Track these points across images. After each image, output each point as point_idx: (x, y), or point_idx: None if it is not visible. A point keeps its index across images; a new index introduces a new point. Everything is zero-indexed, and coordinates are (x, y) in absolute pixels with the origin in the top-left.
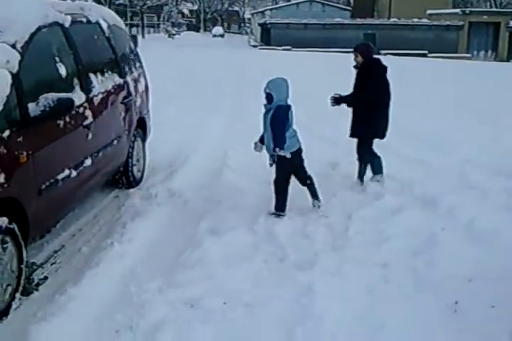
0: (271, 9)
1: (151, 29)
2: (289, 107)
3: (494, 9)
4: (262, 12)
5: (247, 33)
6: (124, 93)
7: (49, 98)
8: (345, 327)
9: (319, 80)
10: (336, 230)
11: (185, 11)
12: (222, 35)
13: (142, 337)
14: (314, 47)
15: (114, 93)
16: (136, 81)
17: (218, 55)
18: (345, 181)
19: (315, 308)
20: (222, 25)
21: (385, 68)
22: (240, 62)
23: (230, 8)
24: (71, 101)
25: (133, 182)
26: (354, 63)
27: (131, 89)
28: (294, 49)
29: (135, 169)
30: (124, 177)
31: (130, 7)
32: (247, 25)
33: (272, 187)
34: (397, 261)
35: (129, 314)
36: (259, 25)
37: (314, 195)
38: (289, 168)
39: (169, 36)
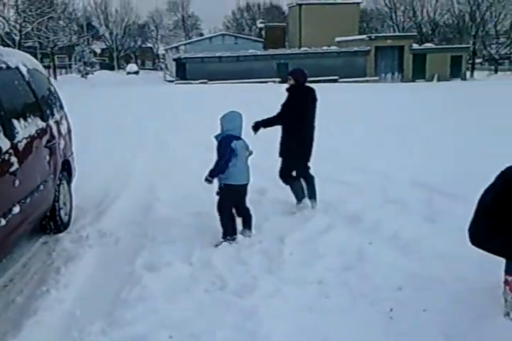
0: (185, 44)
1: (63, 70)
2: (238, 138)
3: (398, 33)
4: (176, 47)
5: (161, 69)
6: (47, 136)
7: None
8: None
9: (237, 108)
10: (270, 254)
11: (97, 50)
12: (136, 72)
13: None
14: (230, 79)
15: (38, 137)
16: (58, 123)
17: (135, 92)
18: (275, 206)
19: (261, 330)
20: (136, 62)
21: (314, 94)
22: (157, 98)
23: (143, 45)
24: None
25: (61, 226)
26: (287, 86)
27: (54, 132)
28: (209, 82)
29: (62, 212)
30: (51, 222)
31: (40, 49)
32: (162, 60)
33: (217, 216)
34: (332, 277)
35: None
36: (174, 60)
37: (247, 226)
38: (233, 198)
39: (82, 76)
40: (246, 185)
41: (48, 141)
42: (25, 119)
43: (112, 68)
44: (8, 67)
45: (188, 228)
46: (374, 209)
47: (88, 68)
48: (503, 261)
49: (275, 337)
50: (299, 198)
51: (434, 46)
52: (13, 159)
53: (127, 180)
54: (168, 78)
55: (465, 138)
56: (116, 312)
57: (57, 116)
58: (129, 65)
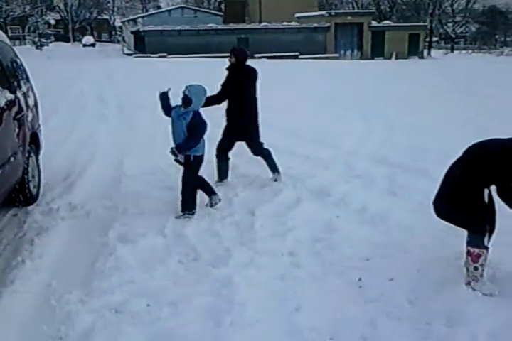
0: (142, 17)
1: (17, 41)
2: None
3: (357, 10)
4: (134, 20)
5: (118, 42)
6: (15, 108)
7: None
8: (267, 311)
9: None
10: (241, 226)
11: (52, 21)
12: (93, 45)
13: None
14: (189, 53)
15: (7, 109)
16: (25, 95)
17: (94, 65)
18: (243, 181)
19: (237, 297)
20: (92, 35)
21: (255, 74)
22: (117, 71)
23: (99, 17)
24: None
25: (30, 199)
26: (228, 64)
27: (22, 104)
28: (169, 56)
29: (31, 185)
30: (20, 195)
31: None
32: (119, 33)
33: (180, 189)
34: (302, 249)
35: (55, 326)
36: (132, 33)
37: (209, 193)
38: (198, 169)
39: (37, 48)
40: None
41: (17, 113)
42: None
43: (67, 40)
44: None
45: (159, 201)
46: (340, 183)
47: (43, 40)
48: (462, 233)
49: (250, 303)
50: (221, 177)
51: (392, 24)
52: None
53: (93, 153)
54: (127, 51)
55: (423, 116)
56: (92, 282)
57: (24, 88)
58: (85, 37)
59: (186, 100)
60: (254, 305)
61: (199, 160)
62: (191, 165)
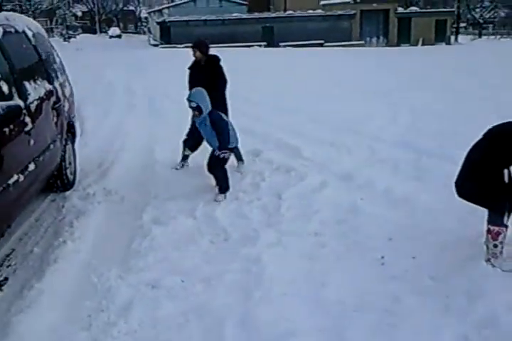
0: (168, 7)
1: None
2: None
3: None
4: (160, 10)
5: (144, 33)
6: (54, 98)
7: None
8: (294, 287)
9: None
10: (268, 209)
11: (79, 13)
12: (119, 36)
13: (115, 317)
14: (215, 42)
15: (47, 99)
16: (62, 86)
17: (121, 56)
18: (270, 166)
19: (265, 275)
20: (119, 26)
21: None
22: (144, 62)
23: (125, 8)
24: (20, 107)
25: (67, 185)
26: (194, 58)
27: (60, 94)
28: None
29: (68, 172)
30: (58, 181)
31: (21, 12)
32: (144, 24)
33: (212, 175)
34: (327, 229)
35: (97, 300)
36: (158, 23)
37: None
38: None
39: (65, 40)
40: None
41: (55, 103)
42: (34, 82)
43: (94, 32)
44: (17, 31)
45: (189, 187)
46: (364, 167)
47: (70, 32)
48: (484, 214)
49: (278, 280)
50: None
51: (418, 10)
52: (27, 119)
53: (125, 142)
54: (153, 42)
55: (447, 102)
56: (129, 261)
57: (60, 79)
58: (112, 29)
59: (197, 110)
60: (282, 282)
61: (229, 150)
62: (224, 155)
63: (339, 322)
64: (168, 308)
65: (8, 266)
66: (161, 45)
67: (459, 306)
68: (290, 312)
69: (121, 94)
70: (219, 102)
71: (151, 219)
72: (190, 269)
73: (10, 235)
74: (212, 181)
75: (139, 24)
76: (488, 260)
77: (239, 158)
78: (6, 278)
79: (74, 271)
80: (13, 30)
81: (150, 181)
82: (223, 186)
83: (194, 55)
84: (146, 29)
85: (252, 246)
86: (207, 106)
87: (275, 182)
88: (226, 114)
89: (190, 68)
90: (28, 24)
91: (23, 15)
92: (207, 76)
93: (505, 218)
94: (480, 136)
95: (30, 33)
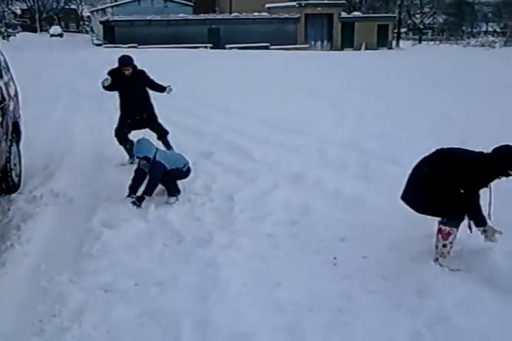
0: (112, 6)
1: None
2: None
3: (327, 1)
4: (103, 9)
5: (87, 32)
6: None
7: None
8: (249, 288)
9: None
10: (221, 211)
11: (18, 11)
12: (61, 35)
13: (69, 322)
14: (160, 43)
15: None
16: (7, 85)
17: (63, 56)
18: (220, 168)
19: (221, 276)
20: (60, 24)
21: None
22: (88, 62)
23: (67, 6)
24: None
25: (12, 187)
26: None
27: (5, 93)
28: (139, 46)
29: (13, 173)
30: (3, 183)
31: None
32: (87, 23)
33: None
34: (280, 231)
35: (48, 304)
36: (101, 23)
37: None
38: None
39: (3, 38)
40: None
41: (0, 103)
42: None
43: (34, 30)
44: None
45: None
46: (314, 169)
47: (10, 30)
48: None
49: (234, 281)
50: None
51: (361, 15)
52: None
53: (70, 143)
54: (96, 42)
55: (386, 104)
56: (81, 265)
57: (5, 78)
58: (53, 27)
59: (145, 160)
60: (238, 283)
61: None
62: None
63: (295, 321)
64: (123, 312)
65: None
66: (104, 45)
67: (410, 304)
68: (246, 313)
69: (66, 94)
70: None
71: (102, 221)
72: (143, 272)
73: None
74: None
75: (81, 23)
76: (436, 259)
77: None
78: None
79: (23, 275)
80: None
81: (99, 183)
82: (172, 190)
83: (126, 72)
84: (88, 28)
85: (206, 248)
86: (153, 153)
87: (226, 183)
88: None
89: (115, 78)
90: None
91: None
92: (139, 85)
93: (460, 223)
94: (429, 154)
95: None
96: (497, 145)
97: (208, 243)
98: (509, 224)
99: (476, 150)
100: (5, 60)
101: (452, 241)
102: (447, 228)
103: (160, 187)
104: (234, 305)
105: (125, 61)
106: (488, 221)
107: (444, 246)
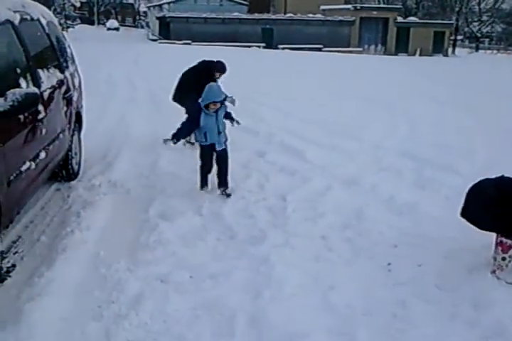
0: (168, 3)
1: None
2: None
3: (383, 5)
4: (160, 5)
5: (142, 27)
6: (64, 88)
7: (16, 93)
8: (303, 288)
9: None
10: (274, 210)
11: (77, 4)
12: (117, 29)
13: (126, 309)
14: (214, 41)
15: (58, 88)
16: (72, 76)
17: (120, 49)
18: (274, 167)
19: (274, 275)
20: (117, 18)
21: None
22: (144, 56)
23: (124, 1)
24: (37, 95)
25: (72, 175)
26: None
27: (70, 84)
28: (193, 43)
29: (74, 162)
30: (64, 171)
31: None
32: (143, 18)
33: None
34: (333, 233)
35: (107, 291)
36: (158, 18)
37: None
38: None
39: (63, 29)
40: None
41: (65, 92)
42: (47, 70)
43: (91, 23)
44: (32, 19)
45: (192, 183)
46: (368, 174)
47: (69, 22)
48: None
49: (287, 280)
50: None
51: (418, 20)
52: (41, 107)
53: (128, 135)
54: (151, 37)
55: (444, 112)
56: (138, 254)
57: (71, 69)
58: (110, 21)
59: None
60: (291, 282)
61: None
62: None
63: (348, 324)
64: (178, 303)
65: (15, 253)
66: (159, 40)
67: (466, 315)
68: (300, 313)
69: (122, 87)
70: None
71: (158, 213)
72: (198, 265)
73: (16, 222)
74: (215, 178)
75: (137, 18)
76: (493, 271)
77: None
78: (14, 265)
79: (83, 261)
80: (28, 17)
81: (154, 175)
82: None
83: (219, 77)
84: (144, 23)
85: (259, 245)
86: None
87: (280, 183)
88: None
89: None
90: (42, 12)
91: (38, 3)
92: None
93: None
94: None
95: (44, 21)
96: None
97: (260, 241)
98: None
99: None
100: (71, 52)
101: None
102: (509, 241)
103: (211, 181)
104: (287, 305)
105: (223, 67)
106: None
107: (503, 259)
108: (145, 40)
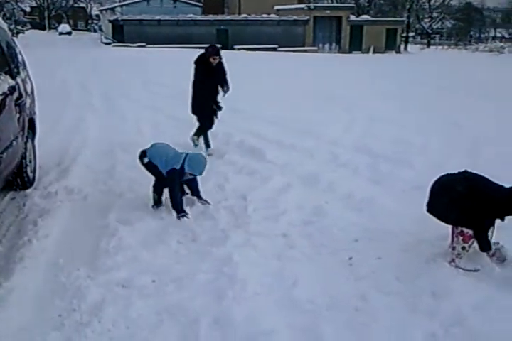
0: (121, 6)
1: None
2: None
3: (336, 4)
4: (112, 9)
5: (95, 30)
6: (16, 94)
7: None
8: (266, 287)
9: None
10: (235, 210)
11: (27, 9)
12: (69, 33)
13: (88, 316)
14: (169, 43)
15: (10, 94)
16: (24, 82)
17: (73, 54)
18: (233, 168)
19: (237, 275)
20: (68, 23)
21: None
22: (98, 60)
23: (76, 5)
24: None
25: (27, 183)
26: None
27: (22, 90)
28: (148, 46)
29: (28, 169)
30: (18, 179)
31: None
32: (95, 22)
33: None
34: (294, 231)
35: (67, 299)
36: (110, 21)
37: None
38: None
39: (13, 35)
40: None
41: (17, 99)
42: None
43: (43, 28)
44: None
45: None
46: (327, 171)
47: (19, 27)
48: None
49: (250, 279)
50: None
51: (370, 18)
52: None
53: (84, 140)
54: (105, 40)
55: (400, 109)
56: (98, 260)
57: (22, 75)
58: (62, 25)
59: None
60: (254, 281)
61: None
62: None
63: (312, 320)
64: (141, 308)
65: None
66: (113, 44)
67: (426, 306)
68: (264, 312)
69: (77, 92)
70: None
71: (117, 218)
72: (160, 268)
73: None
74: None
75: (89, 21)
76: (452, 260)
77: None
78: None
79: (41, 270)
80: None
81: (112, 180)
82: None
83: (214, 61)
84: (97, 27)
85: (221, 246)
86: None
87: (239, 183)
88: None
89: (204, 70)
90: None
91: None
92: (217, 74)
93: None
94: (456, 175)
95: None
96: None
97: (222, 242)
98: None
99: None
100: (22, 57)
101: (471, 245)
102: (470, 231)
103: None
104: (251, 304)
105: (217, 50)
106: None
107: (463, 248)
108: (98, 43)
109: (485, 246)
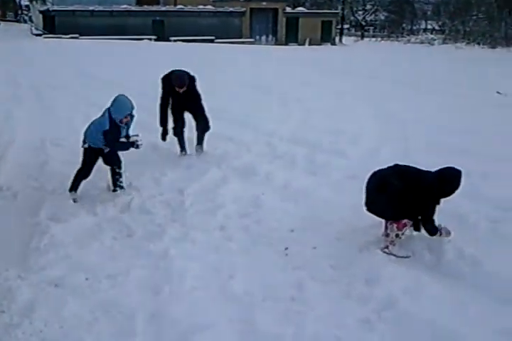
0: None
1: None
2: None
3: None
4: None
5: (25, 21)
6: None
7: None
8: (204, 280)
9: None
10: (172, 204)
11: None
12: None
13: (18, 317)
14: (103, 34)
15: None
16: None
17: (1, 45)
18: (168, 161)
19: (174, 269)
20: None
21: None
22: (27, 51)
23: None
24: None
25: None
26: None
27: None
28: (81, 37)
29: None
30: None
31: None
32: (25, 12)
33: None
34: (232, 223)
35: None
36: (41, 12)
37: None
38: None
39: None
40: None
41: None
42: None
43: None
44: None
45: (87, 183)
46: (264, 163)
47: None
48: None
49: (187, 274)
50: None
51: (306, 10)
52: None
53: (13, 135)
54: (35, 31)
55: (336, 100)
56: (29, 259)
57: None
58: None
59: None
60: (191, 276)
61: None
62: None
63: (249, 311)
64: (75, 307)
65: None
66: (44, 35)
67: (359, 292)
68: (201, 305)
69: (3, 84)
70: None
71: (49, 216)
72: (94, 266)
73: None
74: (109, 177)
75: (19, 12)
76: (385, 247)
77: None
78: None
79: None
80: None
81: (43, 176)
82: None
83: (180, 90)
84: (27, 18)
85: (157, 241)
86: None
87: (176, 177)
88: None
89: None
90: None
91: None
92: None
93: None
94: (388, 170)
95: None
96: (444, 168)
97: (159, 236)
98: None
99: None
100: None
101: (404, 233)
102: (404, 220)
103: (104, 179)
104: (188, 298)
105: (180, 82)
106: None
107: (397, 235)
108: (28, 35)
109: (434, 231)
